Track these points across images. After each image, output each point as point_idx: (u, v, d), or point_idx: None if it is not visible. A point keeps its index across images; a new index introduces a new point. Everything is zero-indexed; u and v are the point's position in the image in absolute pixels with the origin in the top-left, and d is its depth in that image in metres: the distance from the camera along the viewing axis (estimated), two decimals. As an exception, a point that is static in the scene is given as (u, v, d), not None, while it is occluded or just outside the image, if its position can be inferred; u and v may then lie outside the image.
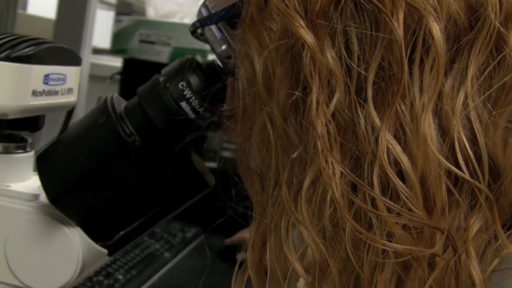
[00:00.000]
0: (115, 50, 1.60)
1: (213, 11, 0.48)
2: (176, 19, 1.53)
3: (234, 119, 0.46)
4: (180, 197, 0.56)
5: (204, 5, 0.48)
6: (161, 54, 1.45)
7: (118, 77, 1.58)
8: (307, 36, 0.39)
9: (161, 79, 0.51)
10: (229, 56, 0.49)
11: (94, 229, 0.54)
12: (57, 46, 0.58)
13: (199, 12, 0.49)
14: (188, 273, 1.21)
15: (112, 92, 1.78)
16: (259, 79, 0.42)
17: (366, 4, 0.39)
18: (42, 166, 0.53)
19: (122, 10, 1.86)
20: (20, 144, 0.59)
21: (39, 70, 0.54)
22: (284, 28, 0.41)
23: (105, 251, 0.56)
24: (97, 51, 1.86)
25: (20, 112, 0.54)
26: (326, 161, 0.39)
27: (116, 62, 1.61)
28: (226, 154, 1.41)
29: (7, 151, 0.57)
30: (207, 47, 0.51)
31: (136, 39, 1.50)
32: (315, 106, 0.39)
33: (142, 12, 1.70)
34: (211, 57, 0.52)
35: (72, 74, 0.60)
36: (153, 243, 1.26)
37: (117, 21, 1.60)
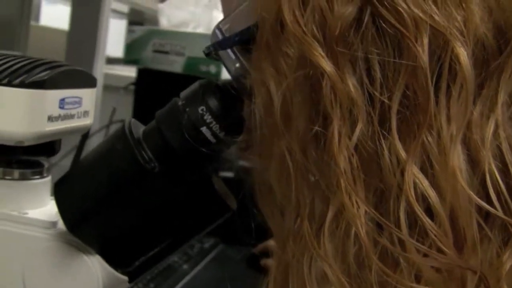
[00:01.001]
0: (128, 60, 1.60)
1: (227, 34, 0.45)
2: (189, 29, 1.52)
3: (252, 150, 0.44)
4: (201, 222, 0.54)
5: (217, 27, 0.46)
6: (175, 64, 1.44)
7: (132, 87, 1.57)
8: (327, 65, 0.37)
9: (180, 103, 0.49)
10: (244, 76, 0.47)
11: (114, 256, 0.53)
12: (72, 69, 0.57)
13: (213, 34, 0.47)
14: (207, 284, 1.20)
15: (126, 103, 1.77)
16: (277, 108, 0.39)
17: (388, 29, 0.37)
18: (60, 194, 0.52)
19: (134, 19, 1.85)
20: (37, 170, 0.57)
21: (54, 95, 0.53)
22: (302, 54, 0.38)
23: (125, 278, 0.55)
24: (110, 61, 1.85)
25: (36, 138, 0.53)
26: (350, 199, 0.37)
27: (130, 72, 1.60)
28: (242, 163, 1.39)
29: (23, 178, 0.56)
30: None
31: (149, 49, 1.49)
32: (337, 140, 0.37)
33: (155, 20, 1.69)
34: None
35: (87, 96, 0.59)
36: (171, 255, 1.25)
37: (129, 31, 1.60)
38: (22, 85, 0.51)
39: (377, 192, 0.38)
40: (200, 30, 1.49)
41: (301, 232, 0.40)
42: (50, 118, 0.53)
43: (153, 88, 1.49)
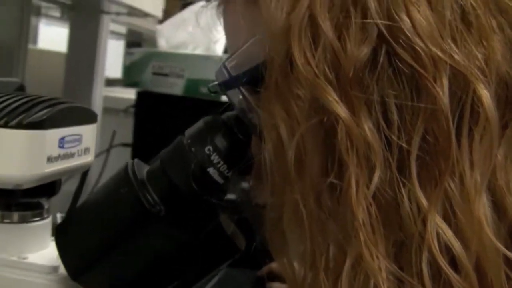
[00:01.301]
0: (128, 83, 1.58)
1: (233, 72, 0.43)
2: (188, 50, 1.50)
3: (263, 194, 0.42)
4: (210, 264, 0.52)
5: (224, 65, 0.44)
6: (174, 86, 1.42)
7: (132, 109, 1.55)
8: (341, 111, 0.35)
9: (185, 141, 0.47)
10: (250, 112, 0.45)
11: (119, 303, 0.51)
12: (71, 106, 0.55)
13: (219, 72, 0.44)
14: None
15: (127, 125, 1.73)
16: (289, 155, 0.37)
17: (405, 69, 0.35)
18: (61, 241, 0.50)
19: (132, 40, 1.83)
20: (36, 211, 0.55)
21: (53, 134, 0.51)
22: (314, 97, 0.36)
23: (131, 324, 0.53)
24: (109, 82, 1.84)
25: (35, 181, 0.51)
26: (369, 251, 0.35)
27: (130, 94, 1.59)
28: (245, 185, 1.37)
29: (23, 220, 0.54)
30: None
31: (149, 71, 1.47)
32: (355, 190, 0.35)
33: (153, 41, 1.68)
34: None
35: (88, 133, 0.56)
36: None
37: (128, 53, 1.58)
38: (19, 126, 0.49)
39: (397, 242, 0.36)
40: (199, 51, 1.47)
41: (317, 283, 0.38)
42: (50, 159, 0.51)
43: (153, 111, 1.47)
